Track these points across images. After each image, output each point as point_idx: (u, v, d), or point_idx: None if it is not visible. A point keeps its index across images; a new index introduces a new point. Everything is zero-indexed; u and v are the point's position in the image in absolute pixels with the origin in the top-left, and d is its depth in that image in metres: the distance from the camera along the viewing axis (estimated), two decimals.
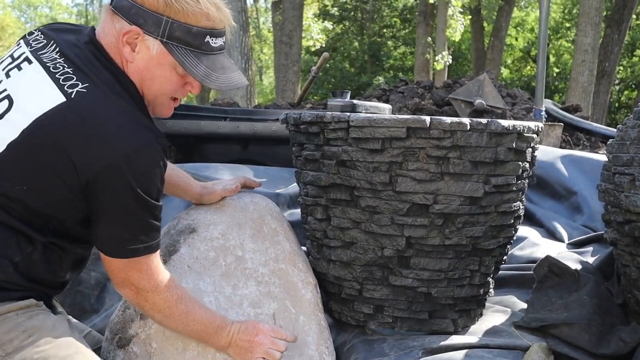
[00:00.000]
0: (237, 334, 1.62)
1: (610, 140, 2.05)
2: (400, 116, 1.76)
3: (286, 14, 12.44)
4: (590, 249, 2.52)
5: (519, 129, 1.77)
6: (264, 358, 1.61)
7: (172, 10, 1.41)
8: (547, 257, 2.14)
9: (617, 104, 20.57)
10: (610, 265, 2.20)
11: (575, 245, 2.64)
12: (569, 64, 16.12)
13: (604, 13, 14.06)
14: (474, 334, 1.91)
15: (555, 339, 1.85)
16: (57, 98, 1.34)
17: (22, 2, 35.86)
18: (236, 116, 4.09)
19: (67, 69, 1.39)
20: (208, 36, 1.45)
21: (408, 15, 22.79)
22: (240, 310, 1.79)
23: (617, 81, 19.82)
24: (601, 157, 3.17)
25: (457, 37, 14.58)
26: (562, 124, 5.38)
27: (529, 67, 23.34)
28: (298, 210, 2.15)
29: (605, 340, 1.82)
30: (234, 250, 1.86)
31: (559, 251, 2.49)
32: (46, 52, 1.44)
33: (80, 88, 1.35)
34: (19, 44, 1.51)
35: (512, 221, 1.90)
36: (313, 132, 1.85)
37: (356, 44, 23.25)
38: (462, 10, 14.70)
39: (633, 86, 20.61)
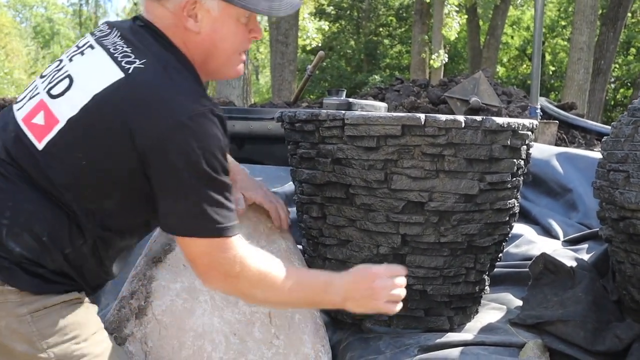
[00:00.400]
0: (351, 286, 1.47)
1: (605, 137, 2.06)
2: (395, 114, 1.76)
3: None
4: (585, 246, 2.53)
5: (513, 126, 1.78)
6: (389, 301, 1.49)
7: None
8: (543, 255, 2.14)
9: (612, 102, 20.63)
10: (606, 262, 2.20)
11: (571, 242, 2.65)
12: (565, 62, 16.15)
13: (600, 11, 14.10)
14: (469, 332, 1.91)
15: (551, 336, 1.85)
16: (115, 74, 1.35)
17: (17, 2, 35.81)
18: (232, 115, 4.08)
19: (126, 49, 1.40)
20: None
21: (404, 14, 22.82)
22: (236, 309, 1.79)
23: (612, 79, 19.86)
24: (596, 154, 3.18)
25: (453, 36, 14.61)
26: (557, 121, 5.39)
27: (524, 66, 23.39)
28: (294, 209, 2.15)
29: (600, 337, 1.83)
30: None
31: (555, 248, 2.50)
32: (108, 38, 1.46)
33: (138, 64, 1.36)
34: (85, 36, 1.55)
35: (507, 218, 1.90)
36: (308, 130, 1.85)
37: (352, 42, 23.26)
38: (458, 8, 14.74)
39: (628, 84, 20.67)
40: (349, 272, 1.51)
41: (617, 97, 21.22)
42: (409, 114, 1.74)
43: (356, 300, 1.48)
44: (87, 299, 1.46)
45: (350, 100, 3.06)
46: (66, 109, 1.36)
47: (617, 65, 20.25)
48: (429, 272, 1.83)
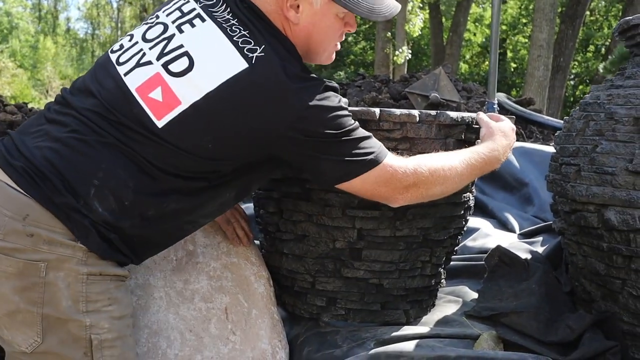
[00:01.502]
0: (506, 139, 1.70)
1: (558, 132, 2.09)
2: (350, 108, 1.76)
3: None
4: (540, 239, 2.57)
5: (467, 120, 1.79)
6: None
7: None
8: (498, 247, 2.17)
9: (572, 99, 20.99)
10: (559, 255, 2.25)
11: (526, 235, 2.69)
12: (526, 59, 16.38)
13: (559, 9, 14.34)
14: (425, 325, 1.93)
15: (505, 328, 1.88)
16: (240, 64, 1.39)
17: None
18: None
19: (243, 32, 1.43)
20: None
21: None
22: (191, 305, 1.77)
23: (572, 76, 20.23)
24: (551, 149, 3.23)
25: (416, 32, 14.69)
26: (514, 116, 5.46)
27: (486, 62, 23.65)
28: (251, 205, 2.14)
29: (553, 328, 1.86)
30: (185, 245, 1.84)
31: (510, 241, 2.54)
32: (218, 11, 1.48)
33: (259, 53, 1.40)
34: None
35: (462, 212, 1.92)
36: None
37: None
38: (421, 5, 14.82)
39: (587, 81, 21.07)
40: (491, 131, 1.71)
41: (577, 93, 21.61)
42: (364, 108, 1.75)
43: (509, 147, 1.71)
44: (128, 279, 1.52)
45: None
46: (189, 92, 1.40)
47: (577, 63, 20.64)
48: (385, 266, 1.84)
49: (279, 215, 1.89)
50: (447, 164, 1.56)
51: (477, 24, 24.00)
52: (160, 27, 1.51)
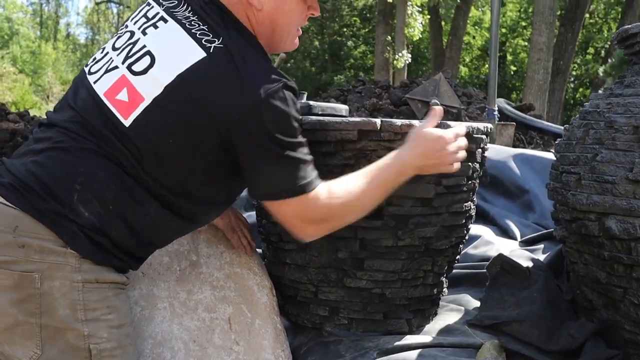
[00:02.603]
0: (421, 161, 1.57)
1: (558, 140, 2.10)
2: (351, 119, 1.77)
3: None
4: (541, 246, 2.57)
5: (468, 130, 1.80)
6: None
7: None
8: (500, 256, 2.18)
9: (572, 101, 21.02)
10: (560, 262, 2.25)
11: (527, 243, 2.69)
12: (526, 62, 16.40)
13: (558, 12, 14.37)
14: (428, 334, 1.94)
15: (507, 336, 1.89)
16: (198, 53, 1.41)
17: None
18: None
19: (202, 26, 1.46)
20: None
21: (368, 15, 22.93)
22: (195, 315, 1.78)
23: (571, 79, 20.24)
24: (552, 155, 3.24)
25: (416, 36, 14.72)
26: (514, 123, 5.48)
27: (486, 66, 23.59)
28: (254, 213, 2.15)
29: (554, 336, 1.86)
30: (188, 255, 1.85)
31: (512, 249, 2.54)
32: (179, 11, 1.51)
33: (217, 44, 1.43)
34: (150, 4, 1.58)
35: (464, 221, 1.93)
36: None
37: (316, 43, 23.28)
38: (420, 9, 14.84)
39: (587, 83, 21.09)
40: (413, 144, 1.57)
41: (577, 96, 21.64)
42: (365, 119, 1.76)
43: (428, 167, 1.59)
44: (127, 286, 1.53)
45: (311, 103, 3.07)
46: (151, 87, 1.42)
47: (576, 65, 20.66)
48: (387, 276, 1.84)
49: (281, 225, 1.90)
50: (360, 193, 1.52)
51: (476, 27, 24.03)
52: (128, 35, 1.55)
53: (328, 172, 1.75)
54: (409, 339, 1.86)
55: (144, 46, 1.48)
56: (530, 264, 2.20)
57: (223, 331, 1.79)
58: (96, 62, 1.56)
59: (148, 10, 1.57)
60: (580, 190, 1.84)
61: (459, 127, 1.65)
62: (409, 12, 14.03)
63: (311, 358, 1.86)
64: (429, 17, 16.44)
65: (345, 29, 23.82)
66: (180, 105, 1.40)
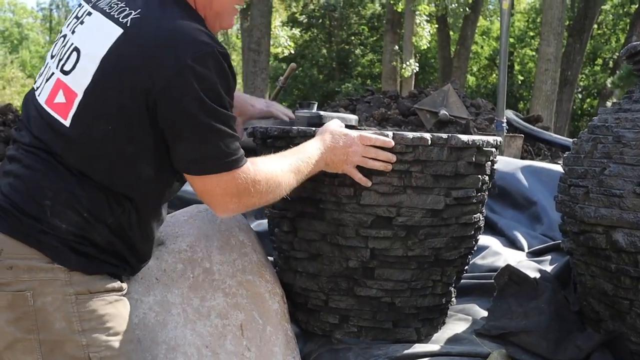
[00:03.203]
0: (329, 153, 1.65)
1: (567, 153, 2.13)
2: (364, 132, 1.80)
3: (254, 21, 12.46)
4: (549, 257, 2.60)
5: (478, 143, 1.84)
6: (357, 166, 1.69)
7: None
8: (507, 266, 2.20)
9: (579, 112, 21.02)
10: (567, 274, 2.27)
11: (535, 254, 2.72)
12: (533, 72, 16.42)
13: (566, 23, 14.39)
14: (436, 342, 1.96)
15: (515, 346, 1.91)
16: (115, 32, 1.40)
17: None
18: None
19: (120, 5, 1.44)
20: None
21: (376, 23, 23.01)
22: (208, 322, 1.81)
23: (579, 89, 20.24)
24: (560, 167, 3.26)
25: (423, 45, 14.78)
26: (522, 135, 5.51)
27: (494, 75, 23.71)
28: (265, 221, 2.18)
29: (562, 347, 1.89)
30: (201, 262, 1.89)
31: (519, 260, 2.57)
32: (104, 0, 1.50)
33: (134, 15, 1.40)
34: (81, 4, 1.58)
35: (473, 232, 1.96)
36: (279, 146, 1.88)
37: (324, 51, 23.37)
38: (428, 18, 14.90)
39: (595, 94, 21.08)
40: (322, 136, 1.65)
41: (584, 106, 21.64)
42: (378, 131, 1.79)
43: (333, 163, 1.67)
44: (125, 297, 1.52)
45: (322, 113, 3.11)
46: (80, 81, 1.41)
47: (584, 76, 20.66)
48: (397, 285, 1.87)
49: (293, 234, 1.93)
50: (281, 174, 1.54)
51: (484, 36, 24.07)
52: (61, 39, 1.55)
53: (340, 184, 1.79)
54: (418, 348, 1.88)
55: (72, 44, 1.48)
56: (538, 275, 2.23)
57: (235, 337, 1.82)
58: (39, 77, 1.56)
59: (78, 11, 1.57)
60: (588, 203, 1.87)
61: (381, 136, 1.71)
62: (417, 21, 14.10)
63: None
64: (436, 26, 16.50)
65: (353, 38, 23.91)
66: (107, 89, 1.38)
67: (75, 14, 1.58)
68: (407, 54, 14.23)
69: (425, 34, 14.45)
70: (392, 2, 15.09)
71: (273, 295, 1.93)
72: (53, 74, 1.49)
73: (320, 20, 23.13)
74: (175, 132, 1.41)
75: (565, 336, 1.92)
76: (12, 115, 6.33)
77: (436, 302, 1.97)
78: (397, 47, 14.84)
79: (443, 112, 5.24)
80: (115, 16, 1.42)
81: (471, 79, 23.81)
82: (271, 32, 13.27)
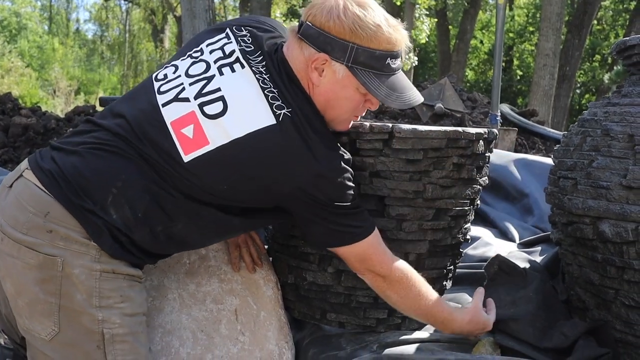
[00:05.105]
0: (465, 328, 1.80)
1: (557, 146, 2.17)
2: (440, 128, 1.82)
3: (253, 13, 12.47)
4: (539, 248, 2.64)
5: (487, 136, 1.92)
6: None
7: (357, 37, 1.52)
8: (497, 256, 2.24)
9: (577, 107, 21.02)
10: (556, 264, 2.32)
11: (525, 245, 2.76)
12: (532, 67, 16.44)
13: (566, 18, 14.39)
14: (427, 330, 2.00)
15: (503, 334, 1.95)
16: (268, 119, 1.48)
17: None
18: None
19: (273, 89, 1.53)
20: (388, 58, 1.56)
21: None
22: (203, 306, 1.85)
23: (578, 85, 20.26)
24: (552, 161, 3.30)
25: (423, 39, 14.77)
26: (516, 128, 5.56)
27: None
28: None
29: (548, 335, 1.93)
30: (197, 249, 1.92)
31: (510, 250, 2.61)
32: (255, 60, 1.58)
33: (286, 111, 1.49)
34: (228, 36, 1.64)
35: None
36: (340, 142, 1.83)
37: None
38: (428, 12, 14.89)
39: (593, 90, 21.09)
40: (466, 312, 1.80)
41: (583, 102, 21.64)
42: (452, 128, 1.83)
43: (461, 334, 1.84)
44: (142, 283, 1.61)
45: None
46: (218, 134, 1.49)
47: (582, 72, 20.66)
48: (441, 272, 1.97)
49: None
50: (421, 291, 1.70)
51: (484, 31, 24.05)
52: (203, 66, 1.60)
53: (410, 179, 1.81)
54: (408, 334, 1.93)
55: (219, 89, 1.54)
56: (527, 265, 2.27)
57: (229, 322, 1.86)
58: (167, 82, 1.60)
59: (226, 44, 1.62)
60: (576, 195, 1.91)
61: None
62: (417, 15, 14.08)
63: (313, 350, 1.93)
64: (436, 20, 16.50)
65: None
66: (242, 162, 1.48)
67: (221, 44, 1.63)
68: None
69: (424, 27, 14.44)
70: None
71: (267, 282, 1.97)
72: (188, 100, 1.54)
73: None
74: (306, 222, 1.60)
75: (552, 324, 1.97)
76: (11, 104, 6.34)
77: (447, 286, 2.06)
78: None
79: (438, 105, 5.28)
80: (270, 100, 1.50)
81: (470, 74, 23.81)
82: None
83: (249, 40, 1.62)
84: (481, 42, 24.12)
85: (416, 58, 14.78)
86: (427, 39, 15.77)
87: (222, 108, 1.51)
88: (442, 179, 1.81)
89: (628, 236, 1.77)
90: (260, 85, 1.52)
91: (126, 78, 28.71)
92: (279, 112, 1.48)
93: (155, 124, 1.52)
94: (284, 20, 16.83)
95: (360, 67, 1.54)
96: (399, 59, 1.60)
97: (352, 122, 1.70)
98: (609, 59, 19.89)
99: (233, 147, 1.48)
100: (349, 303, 1.93)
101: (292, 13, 20.87)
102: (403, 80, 1.61)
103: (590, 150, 1.93)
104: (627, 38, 2.03)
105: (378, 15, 1.55)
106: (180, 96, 1.56)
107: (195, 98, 1.54)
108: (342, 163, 1.53)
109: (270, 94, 1.51)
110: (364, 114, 1.69)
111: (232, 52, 1.60)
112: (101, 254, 1.48)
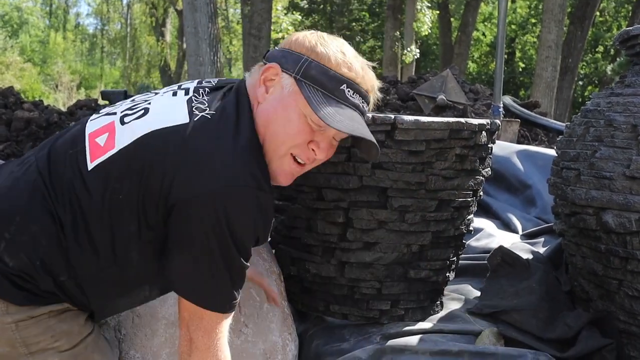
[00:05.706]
0: None
1: (560, 137, 2.17)
2: (442, 119, 1.82)
3: (255, 7, 12.42)
4: (542, 239, 2.64)
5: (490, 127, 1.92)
6: None
7: (314, 53, 1.36)
8: (500, 248, 2.25)
9: (580, 99, 20.97)
10: (559, 255, 2.32)
11: (528, 236, 2.76)
12: (535, 59, 16.39)
13: (568, 10, 14.34)
14: (430, 321, 2.01)
15: (506, 324, 1.96)
16: (182, 118, 1.31)
17: None
18: None
19: (204, 98, 1.36)
20: (345, 85, 1.36)
21: (377, 9, 22.91)
22: None
23: (580, 76, 20.20)
24: (554, 152, 3.29)
25: (425, 32, 14.73)
26: (519, 120, 5.55)
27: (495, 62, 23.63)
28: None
29: (551, 325, 1.94)
30: None
31: (513, 242, 2.61)
32: (204, 88, 1.42)
33: (206, 113, 1.31)
34: (196, 81, 1.49)
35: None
36: None
37: None
38: (429, 4, 14.85)
39: (596, 82, 21.03)
40: None
41: (585, 94, 21.57)
42: (454, 119, 1.82)
43: None
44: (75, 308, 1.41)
45: None
46: (125, 137, 1.32)
47: (585, 63, 20.59)
48: (444, 264, 1.95)
49: (343, 225, 1.87)
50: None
51: (486, 23, 23.97)
52: (151, 94, 1.49)
53: (413, 170, 1.81)
54: (411, 325, 1.93)
55: (149, 103, 1.41)
56: (530, 257, 2.27)
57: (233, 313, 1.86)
58: (107, 107, 1.52)
59: (188, 82, 1.49)
60: (579, 185, 1.91)
61: None
62: (418, 7, 14.04)
63: (317, 341, 1.94)
64: (438, 12, 16.45)
65: (354, 24, 23.81)
66: (139, 162, 1.29)
67: (185, 82, 1.50)
68: (408, 40, 14.19)
69: (426, 20, 14.39)
70: None
71: (270, 274, 1.97)
72: (114, 114, 1.41)
73: (321, 6, 23.05)
74: (177, 242, 1.29)
75: (555, 315, 1.97)
76: (13, 98, 6.35)
77: (450, 277, 2.05)
78: (398, 33, 14.80)
79: (441, 97, 5.27)
80: (192, 104, 1.34)
81: (472, 66, 23.75)
82: (272, 18, 13.23)
83: (214, 81, 1.49)
84: (483, 34, 24.04)
85: (418, 50, 14.74)
86: (429, 31, 15.72)
87: (141, 114, 1.37)
88: (444, 170, 1.81)
89: (631, 226, 1.77)
90: (190, 98, 1.37)
91: (128, 72, 28.69)
92: (198, 113, 1.31)
93: (74, 137, 1.39)
94: (285, 14, 16.79)
95: (309, 82, 1.35)
96: (360, 96, 1.38)
97: (294, 177, 1.43)
98: (612, 50, 19.83)
99: (134, 147, 1.30)
100: (352, 295, 1.93)
101: (293, 6, 20.82)
102: (356, 117, 1.38)
103: (593, 141, 1.93)
104: (630, 28, 2.03)
105: (349, 51, 1.40)
106: (110, 112, 1.44)
107: (122, 112, 1.41)
108: (251, 196, 1.26)
109: (198, 102, 1.35)
110: (310, 163, 1.42)
111: (185, 85, 1.46)
112: (8, 305, 1.30)
